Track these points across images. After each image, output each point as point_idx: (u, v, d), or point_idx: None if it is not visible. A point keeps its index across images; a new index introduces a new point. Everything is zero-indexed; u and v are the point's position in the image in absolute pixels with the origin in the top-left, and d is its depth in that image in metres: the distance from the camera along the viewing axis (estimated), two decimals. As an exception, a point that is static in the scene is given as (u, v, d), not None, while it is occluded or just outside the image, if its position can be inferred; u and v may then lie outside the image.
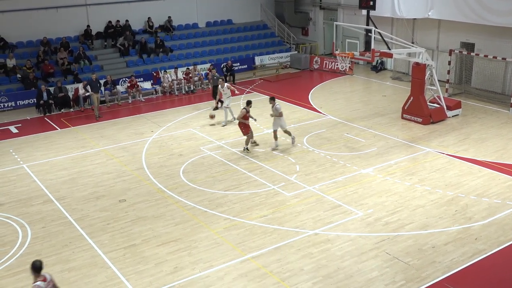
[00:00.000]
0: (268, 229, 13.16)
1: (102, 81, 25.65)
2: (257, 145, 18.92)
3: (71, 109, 24.84)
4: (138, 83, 26.28)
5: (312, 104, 24.14)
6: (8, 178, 16.94)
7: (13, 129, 22.23)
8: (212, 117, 21.38)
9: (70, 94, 25.21)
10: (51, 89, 24.76)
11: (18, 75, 26.13)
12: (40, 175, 17.02)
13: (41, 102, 24.21)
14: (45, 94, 24.23)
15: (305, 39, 35.87)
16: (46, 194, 15.66)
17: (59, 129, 21.92)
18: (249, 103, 18.65)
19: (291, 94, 25.88)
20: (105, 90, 25.50)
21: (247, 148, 18.40)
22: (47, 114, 24.17)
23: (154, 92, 27.04)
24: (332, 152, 18.07)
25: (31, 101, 25.24)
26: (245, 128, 18.49)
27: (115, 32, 29.96)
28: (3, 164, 18.15)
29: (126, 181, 16.33)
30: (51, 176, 16.93)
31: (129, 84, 26.13)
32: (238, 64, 31.09)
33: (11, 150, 19.39)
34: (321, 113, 22.76)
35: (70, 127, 22.22)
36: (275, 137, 18.72)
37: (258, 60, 31.83)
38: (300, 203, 14.48)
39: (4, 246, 12.76)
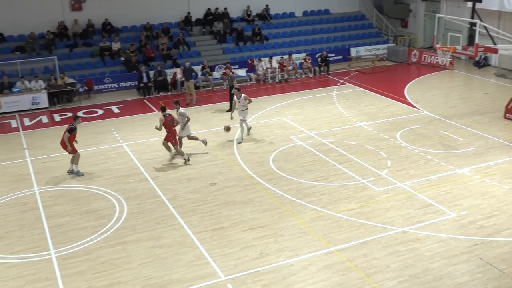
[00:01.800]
0: (355, 223, 13.01)
1: (199, 66, 26.42)
2: (172, 158, 17.17)
3: (169, 93, 25.80)
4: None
5: (408, 99, 23.43)
6: (109, 155, 17.92)
7: (115, 109, 23.47)
8: (227, 129, 18.52)
9: (169, 78, 26.19)
10: (151, 72, 25.83)
11: (122, 58, 27.45)
12: (137, 154, 17.85)
13: (141, 84, 25.34)
14: (145, 77, 25.32)
15: (404, 31, 34.77)
16: (142, 172, 16.41)
17: (156, 112, 22.81)
18: (164, 109, 17.27)
19: (386, 87, 25.26)
20: (201, 75, 26.22)
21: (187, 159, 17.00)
22: (146, 97, 25.26)
23: (248, 80, 27.41)
24: (426, 149, 17.47)
25: (132, 83, 26.46)
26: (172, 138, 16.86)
27: (214, 20, 30.64)
28: (104, 141, 19.23)
29: (217, 165, 16.75)
30: (147, 156, 17.71)
31: (224, 71, 26.65)
32: (333, 54, 30.72)
33: (112, 129, 20.48)
34: (416, 108, 22.05)
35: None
36: (181, 144, 17.38)
37: (353, 51, 31.31)
38: (389, 199, 14.16)
39: (102, 219, 13.54)
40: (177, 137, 17.19)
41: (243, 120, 18.86)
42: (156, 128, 16.93)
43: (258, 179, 15.62)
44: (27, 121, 22.19)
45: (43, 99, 23.87)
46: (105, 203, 14.45)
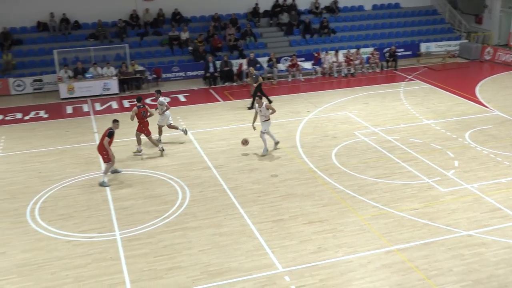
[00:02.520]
0: (417, 223, 12.71)
1: (265, 58, 26.51)
2: (140, 152, 17.31)
3: (234, 83, 26.06)
4: (298, 63, 26.66)
5: (479, 98, 22.57)
6: (174, 142, 18.33)
7: (181, 97, 23.97)
8: (244, 143, 17.02)
9: (234, 69, 26.43)
10: (218, 63, 26.16)
11: (190, 48, 27.94)
12: (202, 143, 18.16)
13: (208, 74, 25.72)
14: (211, 67, 25.67)
15: (477, 28, 33.45)
16: (205, 161, 16.69)
17: (221, 101, 23.13)
18: (140, 99, 17.22)
19: (456, 85, 24.44)
20: (267, 66, 26.31)
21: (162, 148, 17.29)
22: (212, 86, 25.62)
23: (314, 73, 27.24)
24: (497, 151, 16.80)
25: (199, 72, 26.91)
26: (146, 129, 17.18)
27: (281, 11, 30.61)
28: (171, 129, 19.65)
29: (279, 157, 16.78)
30: (211, 145, 17.99)
31: (290, 63, 26.61)
32: (402, 50, 30.03)
33: (178, 117, 20.91)
34: (488, 108, 21.22)
35: (231, 100, 23.35)
36: (160, 132, 18.17)
37: (423, 47, 30.45)
38: (455, 201, 13.74)
39: (165, 204, 13.90)
40: (158, 126, 18.02)
41: (263, 132, 16.86)
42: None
43: (320, 173, 15.55)
44: (98, 106, 23.06)
45: (113, 85, 24.71)
46: (169, 189, 14.81)
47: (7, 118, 21.77)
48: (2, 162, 16.84)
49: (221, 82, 26.05)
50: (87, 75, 24.72)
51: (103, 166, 15.73)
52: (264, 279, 10.69)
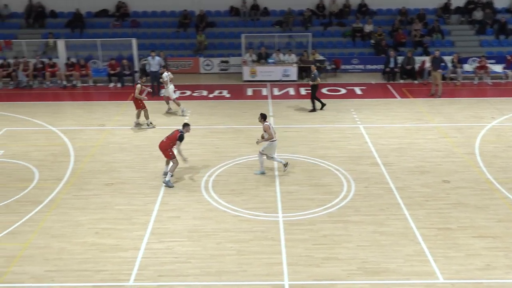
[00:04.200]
0: None
1: (449, 57, 25.10)
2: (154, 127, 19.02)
3: (415, 81, 25.13)
4: (488, 65, 24.79)
5: None
6: (345, 134, 18.32)
7: (357, 90, 23.79)
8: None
9: (417, 66, 25.45)
10: (400, 58, 25.39)
11: (372, 41, 27.54)
12: (373, 138, 17.88)
13: (387, 69, 25.13)
14: (392, 62, 25.02)
15: None
16: (374, 157, 16.41)
17: (398, 98, 22.49)
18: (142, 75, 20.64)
19: None
20: (451, 67, 24.90)
21: (150, 123, 19.11)
22: (391, 82, 25.00)
23: (504, 77, 25.12)
24: None
25: (378, 67, 26.42)
26: (140, 103, 18.95)
27: (475, 8, 28.66)
28: (343, 120, 19.69)
29: (454, 163, 15.87)
30: (382, 141, 17.62)
31: (478, 65, 24.88)
32: None
33: (352, 110, 20.82)
34: None
35: (409, 98, 22.58)
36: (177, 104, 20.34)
37: None
38: None
39: (330, 195, 13.99)
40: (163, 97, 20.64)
41: (262, 153, 14.99)
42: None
43: (498, 186, 14.38)
44: (276, 91, 23.89)
45: (293, 72, 25.38)
46: (335, 180, 14.87)
47: (194, 94, 23.61)
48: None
49: (400, 78, 25.29)
50: (270, 60, 25.71)
51: (169, 165, 14.76)
52: (422, 287, 10.28)
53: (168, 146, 14.50)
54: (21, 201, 13.70)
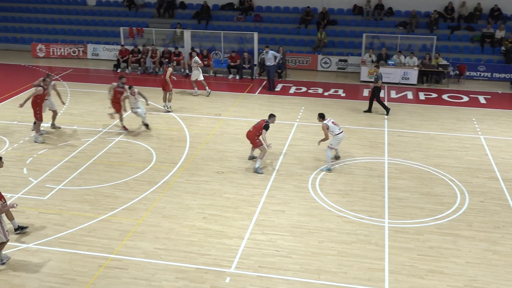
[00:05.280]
0: None
1: None
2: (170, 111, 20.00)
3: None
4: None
5: None
6: (464, 144, 17.43)
7: (481, 99, 22.48)
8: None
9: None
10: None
11: (502, 48, 25.87)
12: (494, 151, 16.85)
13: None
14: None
15: None
16: (494, 170, 15.47)
17: (527, 111, 20.97)
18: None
19: None
20: None
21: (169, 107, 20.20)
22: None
23: None
24: None
25: (507, 75, 24.79)
26: (167, 86, 20.07)
27: None
28: (463, 129, 18.74)
29: None
30: (504, 155, 16.55)
31: None
32: None
33: (473, 119, 19.75)
34: None
35: (539, 111, 20.97)
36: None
37: None
38: None
39: (441, 205, 13.42)
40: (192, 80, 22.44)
41: (330, 148, 15.37)
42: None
43: None
44: (393, 94, 23.26)
45: (413, 76, 24.52)
46: (448, 190, 14.23)
47: (309, 91, 23.64)
48: (298, 130, 18.43)
49: (531, 90, 23.56)
50: (389, 62, 25.05)
51: (258, 152, 15.50)
52: (535, 315, 9.58)
53: (255, 135, 15.24)
54: (139, 180, 14.62)
